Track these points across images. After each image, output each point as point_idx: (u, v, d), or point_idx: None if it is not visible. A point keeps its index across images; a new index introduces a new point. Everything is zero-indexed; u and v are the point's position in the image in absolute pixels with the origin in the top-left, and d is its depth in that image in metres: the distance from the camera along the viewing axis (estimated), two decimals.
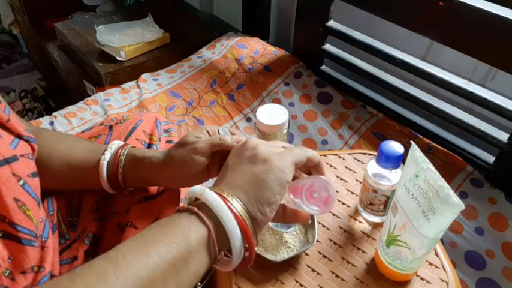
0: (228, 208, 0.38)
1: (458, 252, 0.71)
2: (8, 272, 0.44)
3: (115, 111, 1.02)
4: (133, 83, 1.13)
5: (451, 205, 0.40)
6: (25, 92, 2.02)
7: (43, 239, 0.51)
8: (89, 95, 1.16)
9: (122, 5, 1.63)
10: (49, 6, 1.73)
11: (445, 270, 0.52)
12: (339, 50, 1.02)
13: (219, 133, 0.53)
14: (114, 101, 1.06)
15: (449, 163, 0.81)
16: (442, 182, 0.41)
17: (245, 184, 0.41)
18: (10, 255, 0.45)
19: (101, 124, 0.68)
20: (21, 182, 0.45)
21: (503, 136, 0.76)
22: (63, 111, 1.02)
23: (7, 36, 2.39)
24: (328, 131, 0.94)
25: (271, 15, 1.23)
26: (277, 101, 1.03)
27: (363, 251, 0.54)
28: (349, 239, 0.56)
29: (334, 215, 0.59)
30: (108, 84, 1.18)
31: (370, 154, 0.68)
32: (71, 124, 0.98)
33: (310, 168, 0.48)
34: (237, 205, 0.39)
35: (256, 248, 0.51)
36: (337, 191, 0.63)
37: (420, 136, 0.89)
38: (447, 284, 0.50)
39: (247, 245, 0.40)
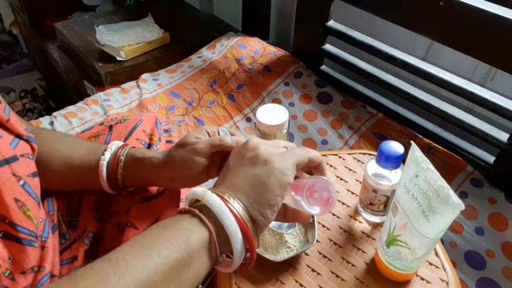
0: (230, 210, 0.38)
1: (458, 252, 0.71)
2: (8, 272, 0.44)
3: (115, 111, 1.02)
4: (133, 83, 1.13)
5: (451, 205, 0.40)
6: (25, 92, 2.02)
7: (43, 239, 0.51)
8: (89, 95, 1.16)
9: (122, 5, 1.63)
10: (49, 6, 1.73)
11: (445, 270, 0.52)
12: (339, 50, 1.02)
13: (218, 134, 0.53)
14: (114, 101, 1.06)
15: (449, 163, 0.81)
16: (442, 182, 0.41)
17: (246, 186, 0.41)
18: (10, 255, 0.45)
19: (101, 124, 0.68)
20: (21, 182, 0.45)
21: (503, 136, 0.76)
22: (63, 111, 1.02)
23: (7, 36, 2.39)
24: (328, 131, 0.94)
25: (271, 15, 1.23)
26: (277, 101, 1.03)
27: (363, 251, 0.54)
28: (349, 239, 0.56)
29: (334, 215, 0.59)
30: (108, 84, 1.18)
31: (370, 154, 0.68)
32: (71, 124, 0.98)
33: (311, 168, 0.48)
34: (238, 207, 0.39)
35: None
36: (337, 191, 0.63)
37: (420, 136, 0.89)
38: (447, 284, 0.50)
39: (248, 247, 0.40)
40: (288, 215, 0.48)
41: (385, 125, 0.92)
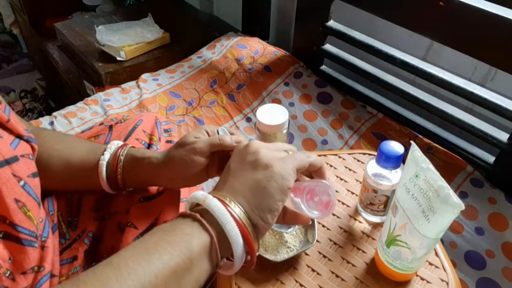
0: (231, 215, 0.38)
1: (458, 252, 0.71)
2: (8, 272, 0.44)
3: (115, 111, 1.02)
4: (133, 83, 1.13)
5: (451, 205, 0.40)
6: (25, 92, 2.02)
7: (43, 239, 0.51)
8: (89, 95, 1.16)
9: (122, 5, 1.64)
10: (49, 6, 1.73)
11: (445, 270, 0.52)
12: (339, 50, 1.02)
13: (218, 133, 0.54)
14: (114, 101, 1.06)
15: (449, 163, 0.81)
16: (442, 182, 0.41)
17: (247, 190, 0.41)
18: (11, 255, 0.45)
19: (101, 124, 0.68)
20: (22, 182, 0.45)
21: (503, 136, 0.76)
22: (63, 111, 1.02)
23: (7, 36, 2.39)
24: (328, 131, 0.94)
25: (271, 15, 1.23)
26: (277, 101, 1.03)
27: (363, 251, 0.54)
28: (349, 239, 0.56)
29: (334, 215, 0.59)
30: (108, 84, 1.18)
31: (370, 154, 0.68)
32: (71, 124, 0.98)
33: (312, 172, 0.48)
34: (240, 212, 0.39)
35: None
36: (337, 191, 0.63)
37: (420, 136, 0.89)
38: (447, 284, 0.50)
39: (248, 250, 0.40)
40: (287, 217, 0.48)
41: (385, 125, 0.92)
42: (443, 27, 0.76)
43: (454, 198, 0.39)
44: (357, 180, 0.64)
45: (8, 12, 2.04)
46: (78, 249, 0.55)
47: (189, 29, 1.40)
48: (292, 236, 0.54)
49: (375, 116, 0.95)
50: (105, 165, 0.54)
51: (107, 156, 0.54)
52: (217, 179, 0.79)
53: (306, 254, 0.53)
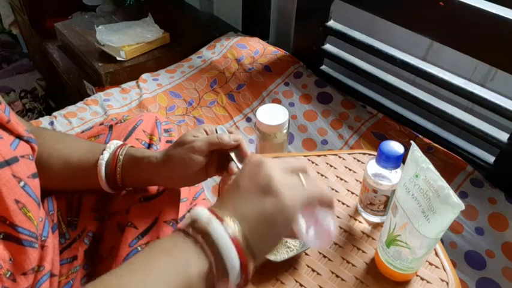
0: (234, 245, 0.37)
1: (458, 252, 0.71)
2: (9, 273, 0.44)
3: (115, 111, 1.02)
4: (133, 83, 1.13)
5: (451, 205, 0.40)
6: (25, 92, 2.02)
7: (43, 238, 0.51)
8: (89, 95, 1.16)
9: (122, 5, 1.63)
10: (49, 6, 1.73)
11: (445, 270, 0.52)
12: (339, 50, 1.02)
13: (216, 132, 0.54)
14: (114, 101, 1.06)
15: (449, 163, 0.81)
16: (442, 182, 0.41)
17: (253, 217, 0.39)
18: (11, 256, 0.45)
19: (101, 124, 0.68)
20: (22, 183, 0.45)
21: (503, 136, 0.76)
22: (63, 111, 1.02)
23: (7, 36, 2.39)
24: (328, 131, 0.94)
25: (271, 15, 1.23)
26: (277, 101, 1.03)
27: (363, 251, 0.54)
28: (349, 239, 0.56)
29: None
30: (108, 84, 1.18)
31: (370, 154, 0.68)
32: (71, 124, 0.98)
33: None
34: (243, 242, 0.37)
35: None
36: (337, 191, 0.63)
37: (420, 136, 0.89)
38: (447, 284, 0.50)
39: (243, 275, 0.38)
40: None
41: (385, 125, 0.92)
42: (443, 27, 0.76)
43: (454, 198, 0.39)
44: (357, 180, 0.64)
45: (8, 12, 2.04)
46: (78, 249, 0.55)
47: (189, 29, 1.40)
48: None
49: (375, 116, 0.95)
50: (104, 165, 0.54)
51: (106, 155, 0.54)
52: (217, 178, 0.80)
53: (306, 254, 0.53)
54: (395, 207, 0.47)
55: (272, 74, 1.08)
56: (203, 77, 1.13)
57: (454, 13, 0.73)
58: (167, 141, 0.66)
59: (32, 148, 0.50)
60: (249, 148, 0.55)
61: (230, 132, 0.54)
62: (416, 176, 0.43)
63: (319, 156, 0.68)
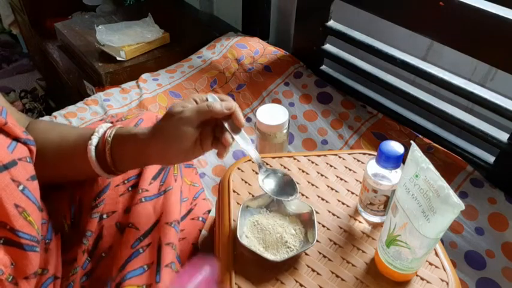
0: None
1: (458, 252, 0.71)
2: (11, 277, 0.44)
3: (115, 111, 1.02)
4: (133, 83, 1.13)
5: (451, 205, 0.40)
6: (25, 92, 2.02)
7: (47, 241, 0.51)
8: (89, 95, 1.16)
9: (122, 5, 1.63)
10: (49, 6, 1.73)
11: (445, 270, 0.52)
12: (339, 50, 1.02)
13: (207, 101, 0.50)
14: (114, 101, 1.06)
15: (449, 163, 0.81)
16: (442, 182, 0.41)
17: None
18: (12, 261, 0.44)
19: (101, 120, 0.68)
20: (21, 187, 0.45)
21: (503, 136, 0.76)
22: (63, 111, 1.02)
23: (7, 36, 2.39)
24: (328, 131, 0.94)
25: (271, 15, 1.23)
26: (277, 101, 1.03)
27: (363, 251, 0.54)
28: (349, 239, 0.56)
29: (334, 215, 0.59)
30: (108, 84, 1.18)
31: (370, 154, 0.68)
32: (71, 124, 0.98)
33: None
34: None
35: (256, 248, 0.51)
36: (337, 191, 0.63)
37: (420, 136, 0.89)
38: (447, 284, 0.50)
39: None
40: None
41: (385, 125, 0.92)
42: (443, 27, 0.76)
43: (454, 198, 0.40)
44: (357, 180, 0.64)
45: (8, 12, 2.04)
46: (77, 250, 0.55)
47: (189, 29, 1.40)
48: (292, 236, 0.54)
49: (375, 116, 0.95)
50: (93, 150, 0.52)
51: (94, 140, 0.53)
52: (217, 178, 0.79)
53: (306, 254, 0.53)
54: (395, 207, 0.47)
55: (272, 74, 1.08)
56: (203, 77, 1.13)
57: (454, 13, 0.73)
58: None
59: (30, 150, 0.49)
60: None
61: (222, 100, 0.51)
62: (416, 176, 0.43)
63: (319, 156, 0.68)
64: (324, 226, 0.57)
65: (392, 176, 0.53)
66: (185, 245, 0.63)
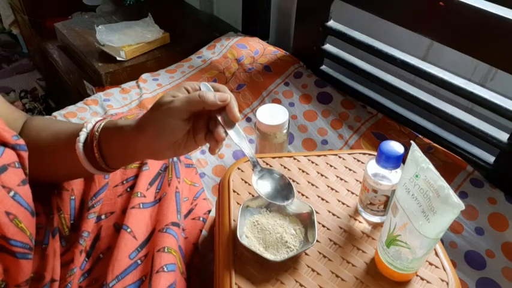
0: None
1: (458, 252, 0.71)
2: (3, 284, 0.44)
3: (115, 111, 1.02)
4: (133, 83, 1.13)
5: (451, 205, 0.40)
6: (25, 92, 2.02)
7: (43, 246, 0.51)
8: (89, 95, 1.16)
9: (122, 5, 1.63)
10: (49, 6, 1.73)
11: (445, 270, 0.52)
12: (339, 50, 1.02)
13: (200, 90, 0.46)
14: (114, 101, 1.06)
15: (449, 163, 0.81)
16: (442, 182, 0.41)
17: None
18: (5, 267, 0.44)
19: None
20: (12, 193, 0.43)
21: (503, 136, 0.76)
22: (63, 111, 1.02)
23: (7, 36, 2.39)
24: (328, 131, 0.94)
25: (271, 15, 1.23)
26: (277, 101, 1.03)
27: (363, 251, 0.54)
28: (349, 239, 0.56)
29: (334, 215, 0.59)
30: (108, 84, 1.18)
31: (370, 154, 0.68)
32: None
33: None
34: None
35: (256, 248, 0.51)
36: (337, 191, 0.63)
37: (420, 136, 0.89)
38: (447, 284, 0.50)
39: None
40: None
41: (385, 125, 0.92)
42: (443, 27, 0.76)
43: (454, 198, 0.39)
44: (357, 180, 0.64)
45: (8, 12, 2.04)
46: (74, 251, 0.55)
47: (189, 29, 1.40)
48: (292, 236, 0.54)
49: (375, 116, 0.95)
50: (81, 146, 0.49)
51: (82, 136, 0.49)
52: (217, 178, 0.79)
53: (306, 254, 0.53)
54: (395, 207, 0.47)
55: (272, 74, 1.08)
56: (203, 77, 1.13)
57: (454, 13, 0.73)
58: None
59: (19, 155, 0.47)
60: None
61: (217, 90, 0.47)
62: (416, 176, 0.43)
63: (319, 156, 0.68)
64: (324, 226, 0.57)
65: (392, 176, 0.53)
66: (185, 245, 0.63)
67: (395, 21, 0.85)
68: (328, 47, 1.03)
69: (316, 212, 0.58)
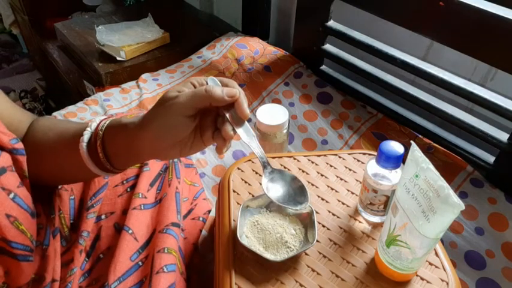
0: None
1: (458, 252, 0.71)
2: (5, 286, 0.44)
3: (115, 111, 1.02)
4: (133, 83, 1.13)
5: (451, 205, 0.40)
6: (25, 92, 2.02)
7: (44, 247, 0.51)
8: (89, 95, 1.16)
9: (122, 5, 1.63)
10: (49, 6, 1.73)
11: (445, 270, 0.52)
12: (339, 50, 1.02)
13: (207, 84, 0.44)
14: (114, 101, 1.06)
15: (449, 163, 0.81)
16: (442, 182, 0.41)
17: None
18: (6, 270, 0.44)
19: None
20: (12, 195, 0.43)
21: (503, 136, 0.76)
22: (63, 111, 1.02)
23: (7, 36, 2.39)
24: (328, 131, 0.94)
25: (271, 15, 1.23)
26: (277, 101, 1.03)
27: (363, 251, 0.54)
28: (349, 239, 0.56)
29: (334, 215, 0.59)
30: (108, 84, 1.18)
31: (370, 154, 0.68)
32: None
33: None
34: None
35: (256, 248, 0.51)
36: (337, 191, 0.63)
37: (420, 136, 0.89)
38: (447, 284, 0.50)
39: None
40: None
41: (385, 125, 0.92)
42: (443, 27, 0.76)
43: (454, 198, 0.39)
44: (357, 180, 0.64)
45: (8, 12, 2.04)
46: (74, 251, 0.55)
47: (189, 29, 1.41)
48: (292, 236, 0.54)
49: (375, 116, 0.95)
50: (85, 146, 0.47)
51: (86, 135, 0.47)
52: (217, 178, 0.79)
53: (306, 254, 0.53)
54: (395, 207, 0.47)
55: (272, 74, 1.08)
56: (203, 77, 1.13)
57: (454, 13, 0.73)
58: None
59: (14, 159, 0.45)
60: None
61: (225, 85, 0.44)
62: (416, 176, 0.43)
63: (319, 156, 0.68)
64: (324, 226, 0.57)
65: (392, 176, 0.53)
66: (185, 245, 0.63)
67: (395, 21, 0.85)
68: (328, 47, 1.03)
69: (316, 212, 0.58)
